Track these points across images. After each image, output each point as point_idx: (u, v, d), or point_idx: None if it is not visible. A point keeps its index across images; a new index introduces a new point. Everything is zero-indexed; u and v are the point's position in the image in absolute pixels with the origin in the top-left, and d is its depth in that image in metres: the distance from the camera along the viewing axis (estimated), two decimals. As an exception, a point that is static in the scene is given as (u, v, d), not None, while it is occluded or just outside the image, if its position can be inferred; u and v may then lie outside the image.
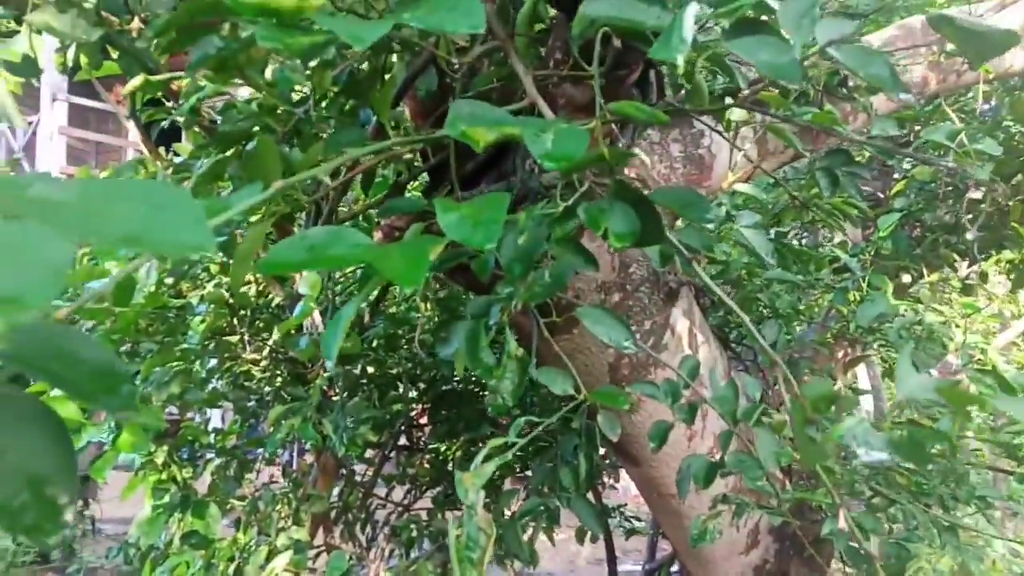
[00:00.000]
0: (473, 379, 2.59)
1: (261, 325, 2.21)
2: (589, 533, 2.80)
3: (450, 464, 2.81)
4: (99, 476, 1.75)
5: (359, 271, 2.64)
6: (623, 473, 3.68)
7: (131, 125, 1.93)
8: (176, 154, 2.11)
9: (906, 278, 2.80)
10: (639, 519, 3.63)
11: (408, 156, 1.84)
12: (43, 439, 0.57)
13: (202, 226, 0.45)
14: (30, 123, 10.86)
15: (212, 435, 2.43)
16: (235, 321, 2.17)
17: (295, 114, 1.26)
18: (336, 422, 1.87)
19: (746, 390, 1.51)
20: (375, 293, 2.37)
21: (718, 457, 1.46)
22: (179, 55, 1.13)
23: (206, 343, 2.09)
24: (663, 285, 1.80)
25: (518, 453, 2.56)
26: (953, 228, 2.63)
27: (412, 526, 2.57)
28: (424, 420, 2.96)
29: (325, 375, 1.99)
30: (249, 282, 2.19)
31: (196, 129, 1.71)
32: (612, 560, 3.16)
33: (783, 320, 2.18)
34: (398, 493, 3.11)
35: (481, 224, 0.75)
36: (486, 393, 2.41)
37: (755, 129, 1.95)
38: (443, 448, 2.86)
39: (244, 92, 1.62)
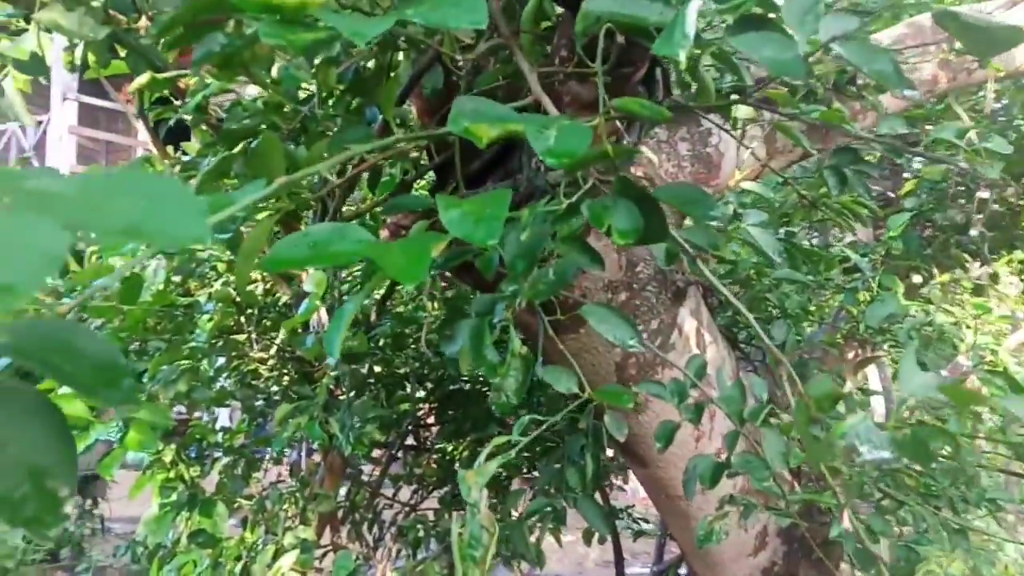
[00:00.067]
0: (480, 379, 2.59)
1: (268, 324, 2.21)
2: (597, 535, 2.79)
3: (457, 464, 2.81)
4: (106, 473, 1.75)
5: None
6: (632, 475, 3.67)
7: (140, 124, 1.94)
8: (184, 153, 2.12)
9: (917, 278, 2.79)
10: (647, 521, 3.62)
11: (415, 155, 1.84)
12: (44, 432, 0.57)
13: (200, 218, 0.45)
14: (40, 122, 10.92)
15: (220, 434, 2.43)
16: (242, 320, 2.17)
17: (301, 112, 1.26)
18: (342, 421, 1.87)
19: (753, 390, 1.51)
20: (382, 292, 2.37)
21: (725, 458, 1.46)
22: (187, 53, 1.13)
23: (213, 342, 2.09)
24: (670, 284, 1.79)
25: (525, 454, 2.58)
26: (964, 228, 2.61)
27: (419, 526, 2.57)
28: (431, 420, 2.96)
29: (332, 374, 1.99)
30: (256, 281, 2.19)
31: (203, 128, 1.71)
32: (620, 562, 3.15)
33: (792, 320, 2.17)
34: (405, 493, 3.11)
35: (483, 220, 0.75)
36: (493, 393, 2.40)
37: (763, 127, 1.94)
38: (450, 448, 2.86)
39: (252, 91, 1.62)
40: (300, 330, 1.97)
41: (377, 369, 2.54)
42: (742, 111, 1.57)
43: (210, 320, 2.04)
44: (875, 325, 2.00)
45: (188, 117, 1.74)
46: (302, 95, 1.51)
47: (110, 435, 1.78)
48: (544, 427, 1.17)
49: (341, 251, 0.78)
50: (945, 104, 2.24)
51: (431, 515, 2.77)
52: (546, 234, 0.97)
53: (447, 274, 1.96)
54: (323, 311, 1.95)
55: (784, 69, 0.78)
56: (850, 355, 2.62)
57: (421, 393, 2.68)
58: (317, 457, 2.64)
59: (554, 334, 1.65)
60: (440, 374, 2.61)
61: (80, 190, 0.46)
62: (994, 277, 2.79)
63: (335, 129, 1.43)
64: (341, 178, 1.18)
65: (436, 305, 2.43)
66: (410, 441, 3.07)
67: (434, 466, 2.95)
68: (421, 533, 2.56)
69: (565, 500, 1.91)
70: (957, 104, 2.10)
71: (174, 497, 2.14)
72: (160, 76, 1.36)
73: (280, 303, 2.28)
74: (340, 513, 2.67)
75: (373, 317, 2.28)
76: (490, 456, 1.00)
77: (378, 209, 1.79)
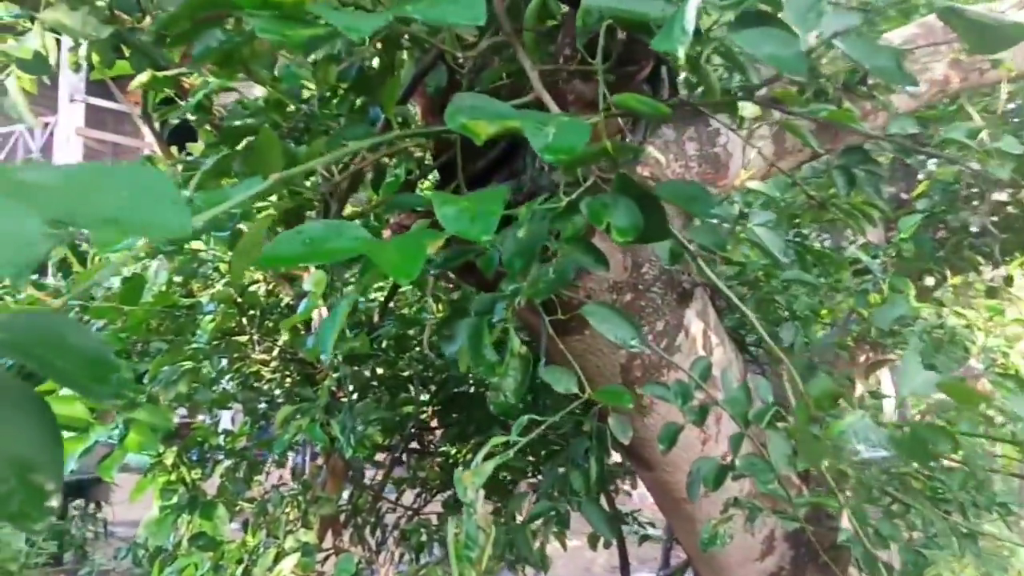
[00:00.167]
0: (484, 381, 2.58)
1: (271, 325, 2.20)
2: (602, 539, 2.77)
3: (460, 467, 2.79)
4: (106, 475, 1.75)
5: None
6: (639, 479, 3.65)
7: (144, 125, 1.93)
8: (189, 153, 2.11)
9: (929, 281, 2.76)
10: (653, 525, 3.60)
11: (419, 154, 1.83)
12: (31, 427, 0.56)
13: (181, 209, 0.44)
14: (47, 124, 10.99)
15: (222, 437, 2.43)
16: (244, 321, 2.16)
17: (302, 110, 1.25)
18: (343, 423, 1.86)
19: (759, 392, 1.49)
20: (384, 293, 2.36)
21: (730, 461, 1.44)
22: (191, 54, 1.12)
23: (215, 343, 2.09)
24: (676, 286, 1.77)
25: (530, 457, 2.56)
26: (980, 231, 2.59)
27: (422, 530, 2.56)
28: (435, 423, 2.95)
29: (334, 376, 1.99)
30: (258, 281, 2.19)
31: (207, 128, 1.71)
32: (625, 567, 3.13)
33: (801, 322, 2.15)
34: (408, 497, 3.10)
35: (479, 217, 0.74)
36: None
37: (771, 127, 1.93)
38: (453, 451, 2.84)
39: (258, 91, 1.62)
40: (303, 331, 1.96)
41: (380, 371, 2.53)
42: (748, 110, 1.55)
43: (212, 321, 2.04)
44: (885, 327, 1.98)
45: (192, 118, 1.73)
46: (306, 94, 1.51)
47: (111, 438, 1.77)
48: (543, 427, 1.16)
49: (337, 248, 0.77)
50: (958, 105, 2.21)
51: (434, 519, 2.75)
52: (545, 232, 0.96)
53: (451, 275, 1.95)
54: (325, 311, 1.94)
55: (785, 66, 0.77)
56: (861, 358, 2.60)
57: (425, 396, 2.67)
58: (320, 460, 2.63)
59: (559, 335, 1.63)
60: (444, 377, 2.59)
61: (64, 182, 0.46)
62: (1008, 280, 2.77)
63: (338, 128, 1.42)
64: (343, 175, 1.16)
65: (440, 307, 2.42)
66: (414, 444, 3.06)
67: (437, 469, 2.94)
68: (424, 537, 2.55)
69: (569, 504, 1.90)
70: (969, 104, 2.08)
71: (175, 500, 2.13)
72: (161, 74, 1.36)
73: (282, 304, 2.27)
74: (342, 517, 2.66)
75: (376, 319, 2.27)
76: (487, 456, 0.99)
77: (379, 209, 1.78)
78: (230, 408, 2.63)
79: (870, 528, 1.71)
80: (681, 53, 0.73)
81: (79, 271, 1.83)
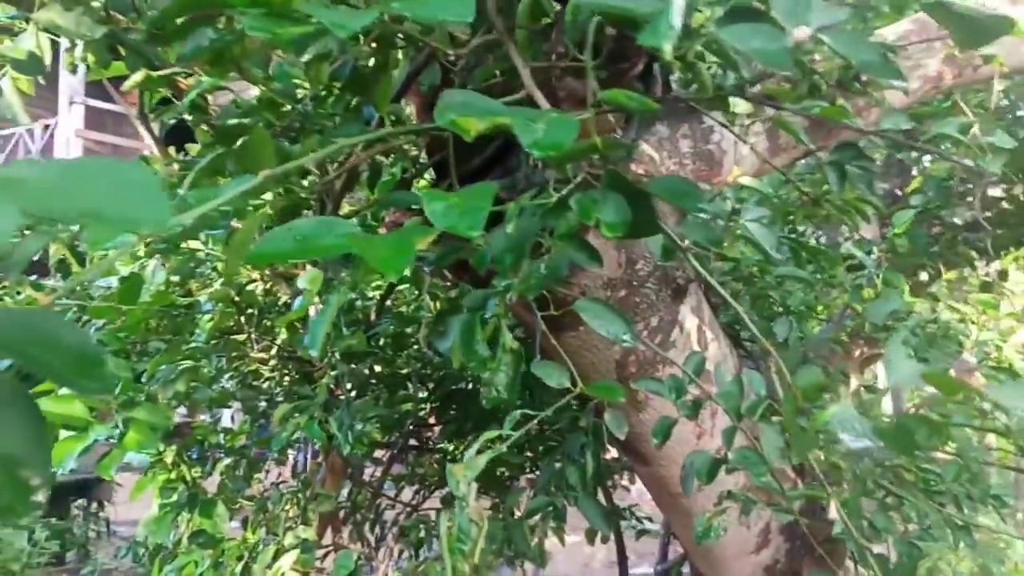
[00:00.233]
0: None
1: (269, 324, 2.21)
2: (600, 534, 2.78)
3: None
4: (105, 474, 1.76)
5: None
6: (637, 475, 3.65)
7: (140, 126, 1.94)
8: (188, 154, 2.12)
9: (924, 276, 2.77)
10: (651, 520, 3.61)
11: (414, 152, 1.84)
12: (18, 422, 0.57)
13: (160, 202, 0.45)
14: (47, 126, 11.00)
15: (221, 435, 2.43)
16: (242, 320, 2.17)
17: (296, 109, 1.26)
18: (340, 420, 1.87)
19: (752, 386, 1.50)
20: (382, 292, 2.37)
21: (723, 454, 1.45)
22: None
23: (214, 342, 2.09)
24: (671, 282, 1.78)
25: (528, 453, 2.57)
26: (971, 225, 2.60)
27: (421, 526, 2.56)
28: (433, 420, 2.96)
29: (332, 374, 2.00)
30: (255, 280, 2.20)
31: (204, 128, 1.72)
32: (623, 561, 3.14)
33: (795, 318, 2.15)
34: (407, 493, 3.11)
35: (467, 212, 0.75)
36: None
37: (764, 124, 1.93)
38: (451, 448, 2.85)
39: (256, 91, 1.62)
40: (301, 330, 1.97)
41: (379, 369, 2.54)
42: (741, 107, 1.56)
43: (210, 320, 2.05)
44: (879, 322, 1.99)
45: (189, 118, 1.74)
46: (301, 94, 1.51)
47: (112, 438, 1.78)
48: (535, 421, 1.17)
49: (326, 244, 0.78)
50: (952, 101, 2.22)
51: (433, 515, 2.76)
52: (535, 228, 0.97)
53: (446, 273, 1.96)
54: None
55: (771, 60, 0.77)
56: (856, 353, 2.61)
57: (423, 393, 2.68)
58: (321, 458, 2.64)
59: (555, 332, 1.64)
60: (442, 374, 2.60)
61: (43, 176, 0.47)
62: (1003, 275, 2.77)
63: (333, 127, 1.43)
64: (337, 171, 1.17)
65: (438, 304, 2.43)
66: (412, 441, 3.06)
67: (436, 466, 2.95)
68: (423, 533, 2.56)
69: (566, 499, 1.91)
70: (963, 100, 2.08)
71: (174, 498, 2.14)
72: (155, 74, 1.36)
73: (280, 303, 2.28)
74: (342, 513, 2.67)
75: (373, 316, 2.28)
76: (479, 451, 1.00)
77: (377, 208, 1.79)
78: (230, 407, 2.63)
79: (864, 521, 1.72)
80: (668, 48, 0.74)
81: (78, 272, 1.84)
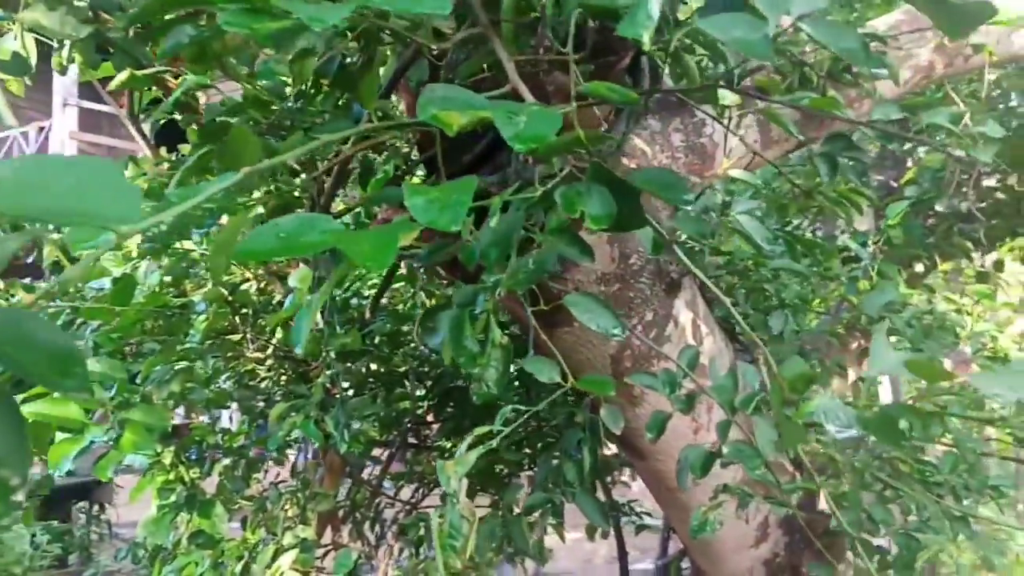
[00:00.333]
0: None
1: (264, 324, 2.21)
2: (600, 530, 2.78)
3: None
4: (102, 475, 1.76)
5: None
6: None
7: (131, 126, 1.94)
8: (181, 154, 2.12)
9: (920, 267, 2.76)
10: (650, 515, 3.61)
11: (405, 150, 1.84)
12: (-4, 424, 0.57)
13: (129, 198, 0.45)
14: (42, 128, 11.01)
15: (219, 435, 2.43)
16: (237, 320, 2.17)
17: (282, 107, 1.25)
18: (336, 419, 1.87)
19: (746, 379, 1.49)
20: (376, 289, 2.37)
21: (718, 448, 1.44)
22: (179, 59, 1.13)
23: (208, 342, 2.09)
24: (664, 276, 1.78)
25: (526, 450, 2.57)
26: (966, 216, 2.59)
27: (420, 524, 2.56)
28: (431, 418, 2.96)
29: (328, 373, 1.99)
30: (249, 280, 2.19)
31: (194, 127, 1.71)
32: (623, 556, 3.14)
33: (791, 311, 2.15)
34: (406, 492, 3.11)
35: (448, 207, 0.74)
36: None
37: (756, 117, 1.93)
38: (450, 445, 2.85)
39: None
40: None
41: (375, 367, 2.54)
42: (730, 98, 1.55)
43: (204, 321, 2.04)
44: (873, 314, 1.98)
45: (179, 117, 1.74)
46: (290, 91, 1.51)
47: (111, 441, 1.78)
48: (526, 415, 1.17)
49: (310, 241, 0.78)
50: (944, 91, 2.22)
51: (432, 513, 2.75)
52: (520, 222, 0.96)
53: (440, 271, 1.95)
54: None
55: (752, 50, 0.77)
56: (853, 345, 2.60)
57: (420, 391, 2.68)
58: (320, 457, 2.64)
59: (549, 328, 1.64)
60: (439, 372, 2.60)
61: (15, 174, 0.46)
62: (999, 265, 2.77)
63: (321, 124, 1.43)
64: (324, 169, 1.17)
65: (434, 302, 2.43)
66: (411, 439, 3.06)
67: (434, 464, 2.94)
68: (423, 531, 2.55)
69: (564, 495, 1.91)
70: (954, 90, 2.08)
71: (172, 499, 2.14)
72: (140, 73, 1.36)
73: (275, 302, 2.28)
74: (341, 512, 2.67)
75: (368, 315, 2.28)
76: (471, 447, 0.99)
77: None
78: (228, 407, 2.63)
79: (863, 513, 1.72)
80: (646, 38, 0.74)
81: (65, 272, 1.83)
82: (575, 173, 0.98)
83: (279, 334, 2.20)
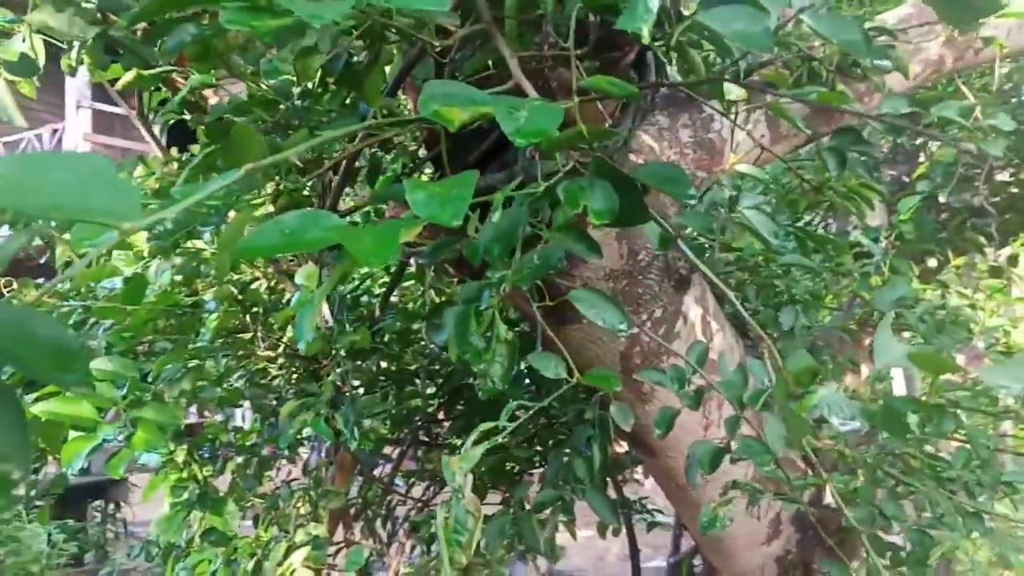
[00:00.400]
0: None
1: (273, 322, 2.22)
2: (612, 527, 2.78)
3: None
4: (114, 472, 1.77)
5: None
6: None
7: (141, 126, 1.95)
8: (192, 155, 2.13)
9: (932, 262, 2.75)
10: (662, 512, 3.61)
11: (413, 148, 1.85)
12: (-3, 418, 0.57)
13: (128, 193, 0.45)
14: (55, 131, 11.09)
15: (232, 434, 2.45)
16: (247, 318, 2.18)
17: (287, 106, 1.26)
18: (346, 416, 1.88)
19: (755, 375, 1.49)
20: (386, 288, 2.37)
21: (727, 443, 1.44)
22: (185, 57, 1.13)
23: (219, 341, 2.10)
24: (674, 272, 1.77)
25: (537, 448, 2.56)
26: (979, 211, 2.57)
27: (432, 522, 2.56)
28: (442, 415, 2.96)
29: (338, 371, 2.00)
30: (259, 278, 2.21)
31: (202, 127, 1.72)
32: (635, 554, 3.14)
33: (802, 306, 2.14)
34: (418, 489, 3.11)
35: (449, 202, 0.74)
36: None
37: (766, 112, 1.92)
38: (461, 443, 2.85)
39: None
40: (305, 327, 1.97)
41: (385, 365, 2.54)
42: (735, 92, 1.55)
43: (215, 319, 2.06)
44: (886, 310, 1.97)
45: (188, 117, 1.75)
46: (297, 90, 1.52)
47: (117, 436, 1.79)
48: (532, 412, 1.17)
49: (314, 238, 0.78)
50: (955, 85, 2.20)
51: (444, 510, 2.75)
52: (523, 218, 0.96)
53: (450, 268, 1.96)
54: (324, 305, 1.95)
55: (752, 42, 0.77)
56: (866, 341, 2.59)
57: (431, 389, 2.68)
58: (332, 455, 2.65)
59: (558, 325, 1.64)
60: (449, 369, 2.61)
61: (15, 171, 0.47)
62: (1012, 259, 2.75)
63: (327, 122, 1.43)
64: (328, 166, 1.17)
65: (443, 300, 2.43)
66: (422, 437, 3.07)
67: (446, 461, 2.94)
68: (434, 529, 2.56)
69: (574, 492, 1.90)
70: (965, 84, 2.06)
71: (184, 496, 2.16)
72: (146, 73, 1.37)
73: (285, 300, 2.29)
74: (353, 510, 2.68)
75: (378, 312, 2.29)
76: (476, 442, 1.00)
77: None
78: (241, 406, 2.65)
79: (875, 509, 1.70)
80: (645, 31, 0.74)
81: (83, 271, 1.85)
82: (578, 168, 0.98)
83: (289, 332, 2.21)
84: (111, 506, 7.14)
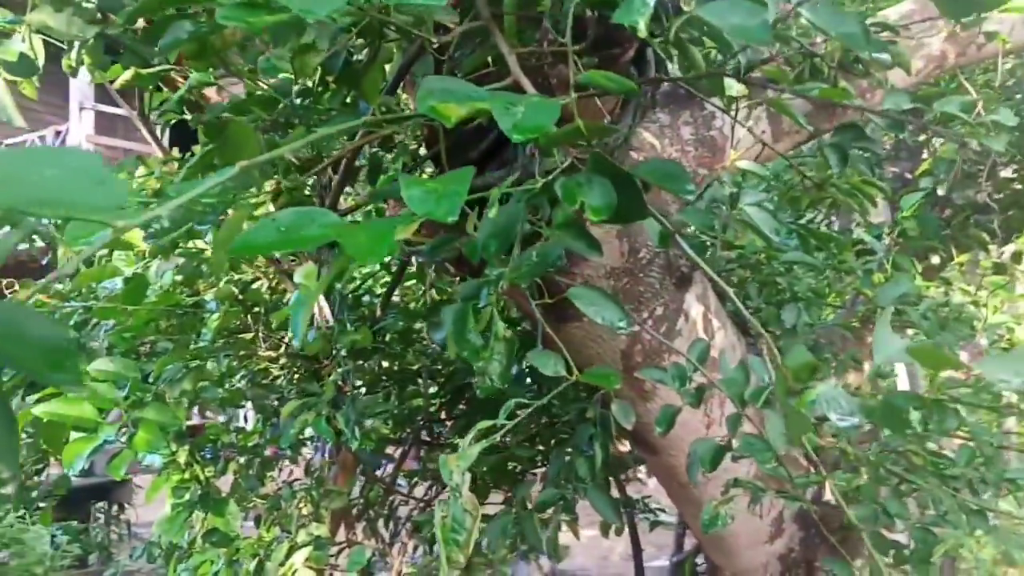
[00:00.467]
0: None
1: (275, 323, 2.22)
2: (615, 527, 2.78)
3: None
4: (115, 473, 1.77)
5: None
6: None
7: (142, 126, 1.95)
8: (194, 155, 2.13)
9: (935, 259, 2.74)
10: (664, 511, 3.60)
11: (414, 146, 1.84)
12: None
13: (113, 187, 0.45)
14: (59, 132, 11.11)
15: (234, 434, 2.45)
16: (248, 318, 2.18)
17: (285, 103, 1.25)
18: (347, 416, 1.87)
19: (756, 372, 1.48)
20: (387, 287, 2.37)
21: (728, 441, 1.43)
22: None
23: (221, 341, 2.10)
24: (675, 270, 1.77)
25: (540, 447, 2.56)
26: (982, 207, 2.56)
27: (434, 522, 2.56)
28: (444, 415, 2.95)
29: (340, 370, 2.00)
30: (260, 278, 2.20)
31: (202, 126, 1.72)
32: (638, 553, 3.13)
33: (804, 304, 2.13)
34: (420, 489, 3.11)
35: (444, 197, 0.74)
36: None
37: (767, 109, 1.91)
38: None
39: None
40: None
41: (386, 365, 2.54)
42: (736, 88, 1.54)
43: (216, 319, 2.05)
44: (887, 306, 1.96)
45: (188, 117, 1.75)
46: (295, 88, 1.51)
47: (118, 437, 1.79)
48: (531, 410, 1.16)
49: (309, 235, 0.78)
50: (957, 81, 2.19)
51: (447, 510, 2.74)
52: (521, 214, 0.96)
53: (450, 267, 1.95)
54: (324, 305, 1.95)
55: (750, 36, 0.76)
56: (869, 339, 2.58)
57: (433, 389, 2.68)
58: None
59: (559, 323, 1.63)
60: (451, 369, 2.60)
61: (1, 165, 0.46)
62: (1016, 256, 2.73)
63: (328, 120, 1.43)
64: (327, 163, 1.17)
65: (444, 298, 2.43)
66: (424, 437, 3.06)
67: (448, 461, 2.93)
68: (435, 528, 2.55)
69: (576, 491, 1.90)
70: (967, 79, 2.06)
71: (186, 497, 2.16)
72: (144, 72, 1.37)
73: (285, 300, 2.28)
74: (355, 510, 2.68)
75: (379, 312, 2.29)
76: (475, 440, 0.99)
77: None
78: (243, 406, 2.65)
79: (878, 507, 1.70)
80: (642, 25, 0.73)
81: (84, 272, 1.85)
82: (576, 164, 0.97)
83: (290, 331, 2.21)
84: (115, 507, 7.15)
